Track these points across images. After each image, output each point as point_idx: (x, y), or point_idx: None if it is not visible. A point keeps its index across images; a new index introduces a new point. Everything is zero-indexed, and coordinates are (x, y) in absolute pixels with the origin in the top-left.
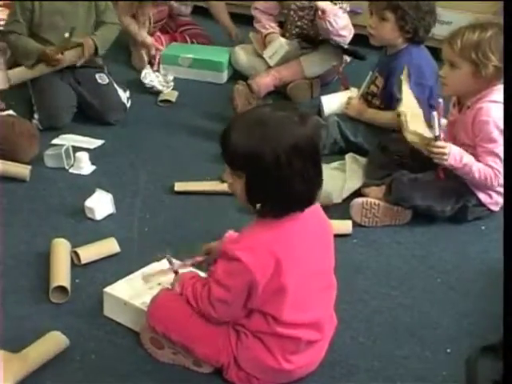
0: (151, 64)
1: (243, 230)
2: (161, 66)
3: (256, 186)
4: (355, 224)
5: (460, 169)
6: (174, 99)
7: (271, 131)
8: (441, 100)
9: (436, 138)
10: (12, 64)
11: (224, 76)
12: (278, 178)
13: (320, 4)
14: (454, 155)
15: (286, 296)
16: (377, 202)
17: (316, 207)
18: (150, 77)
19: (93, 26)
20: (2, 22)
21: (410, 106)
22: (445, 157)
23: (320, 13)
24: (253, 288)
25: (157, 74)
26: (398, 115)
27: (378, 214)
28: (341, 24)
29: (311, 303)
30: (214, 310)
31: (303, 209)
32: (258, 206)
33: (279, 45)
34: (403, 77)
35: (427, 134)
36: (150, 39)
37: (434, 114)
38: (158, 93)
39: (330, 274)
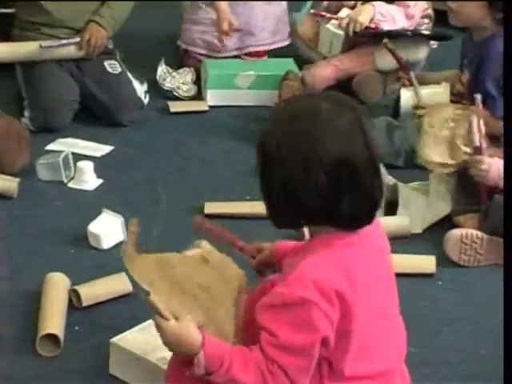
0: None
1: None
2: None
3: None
4: (441, 262)
5: None
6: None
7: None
8: None
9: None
10: None
11: None
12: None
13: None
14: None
15: (351, 341)
16: (479, 234)
17: (376, 222)
18: (171, 79)
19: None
20: None
21: None
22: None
23: None
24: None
25: (178, 72)
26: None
27: (480, 250)
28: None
29: (377, 351)
30: None
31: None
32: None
33: (331, 33)
34: None
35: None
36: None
37: None
38: (176, 98)
39: (396, 314)
